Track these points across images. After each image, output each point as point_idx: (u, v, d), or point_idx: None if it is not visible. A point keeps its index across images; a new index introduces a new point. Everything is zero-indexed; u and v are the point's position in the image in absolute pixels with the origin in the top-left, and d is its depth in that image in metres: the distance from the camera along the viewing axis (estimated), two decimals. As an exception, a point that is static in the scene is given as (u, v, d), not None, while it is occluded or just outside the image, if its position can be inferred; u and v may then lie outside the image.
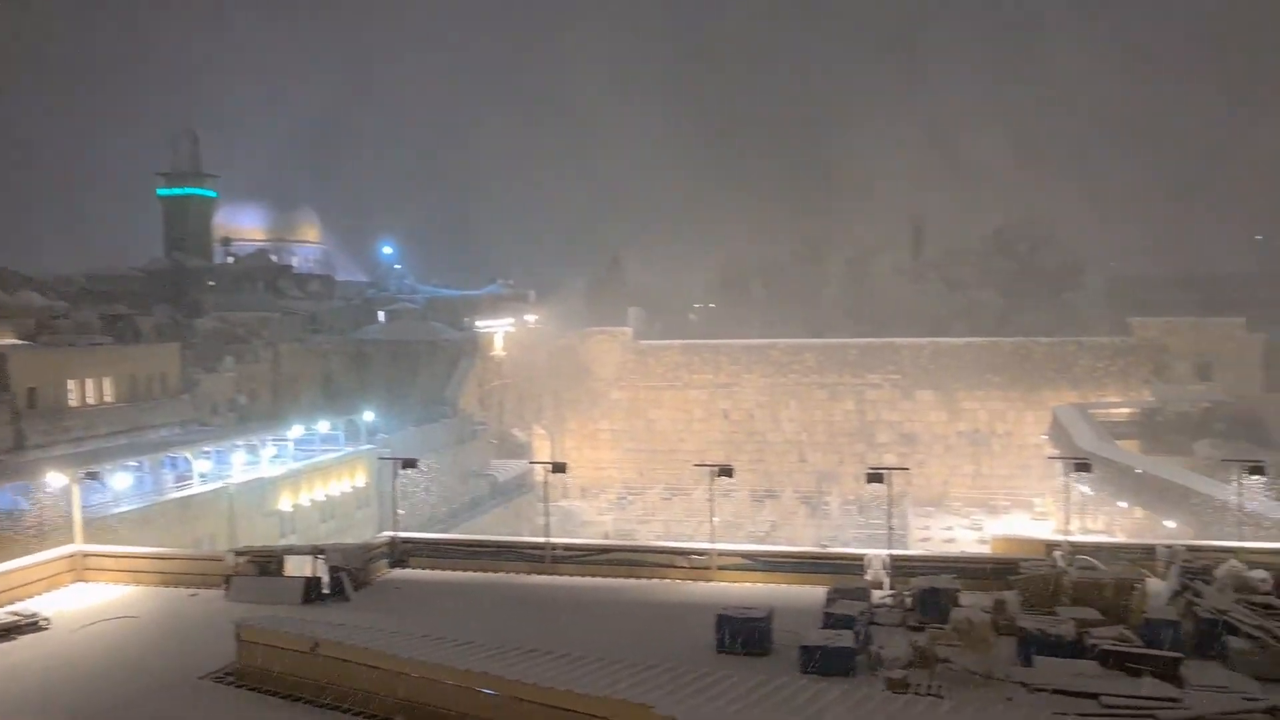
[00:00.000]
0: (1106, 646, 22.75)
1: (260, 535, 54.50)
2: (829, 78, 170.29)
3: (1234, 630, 23.50)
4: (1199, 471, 65.44)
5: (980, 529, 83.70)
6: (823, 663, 22.69)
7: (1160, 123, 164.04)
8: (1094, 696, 20.55)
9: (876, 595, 28.80)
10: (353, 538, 56.95)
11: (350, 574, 31.04)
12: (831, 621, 24.97)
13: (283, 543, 52.33)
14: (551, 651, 20.60)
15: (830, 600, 26.85)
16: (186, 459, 56.87)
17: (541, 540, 34.39)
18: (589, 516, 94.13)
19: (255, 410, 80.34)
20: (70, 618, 28.48)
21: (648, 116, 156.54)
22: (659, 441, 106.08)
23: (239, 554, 32.17)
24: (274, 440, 62.94)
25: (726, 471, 34.30)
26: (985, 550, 39.86)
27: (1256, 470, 35.33)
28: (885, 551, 31.33)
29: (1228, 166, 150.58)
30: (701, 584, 31.76)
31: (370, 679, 20.67)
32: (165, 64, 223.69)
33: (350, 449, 67.14)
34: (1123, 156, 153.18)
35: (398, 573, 33.92)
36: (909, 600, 27.65)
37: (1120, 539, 63.68)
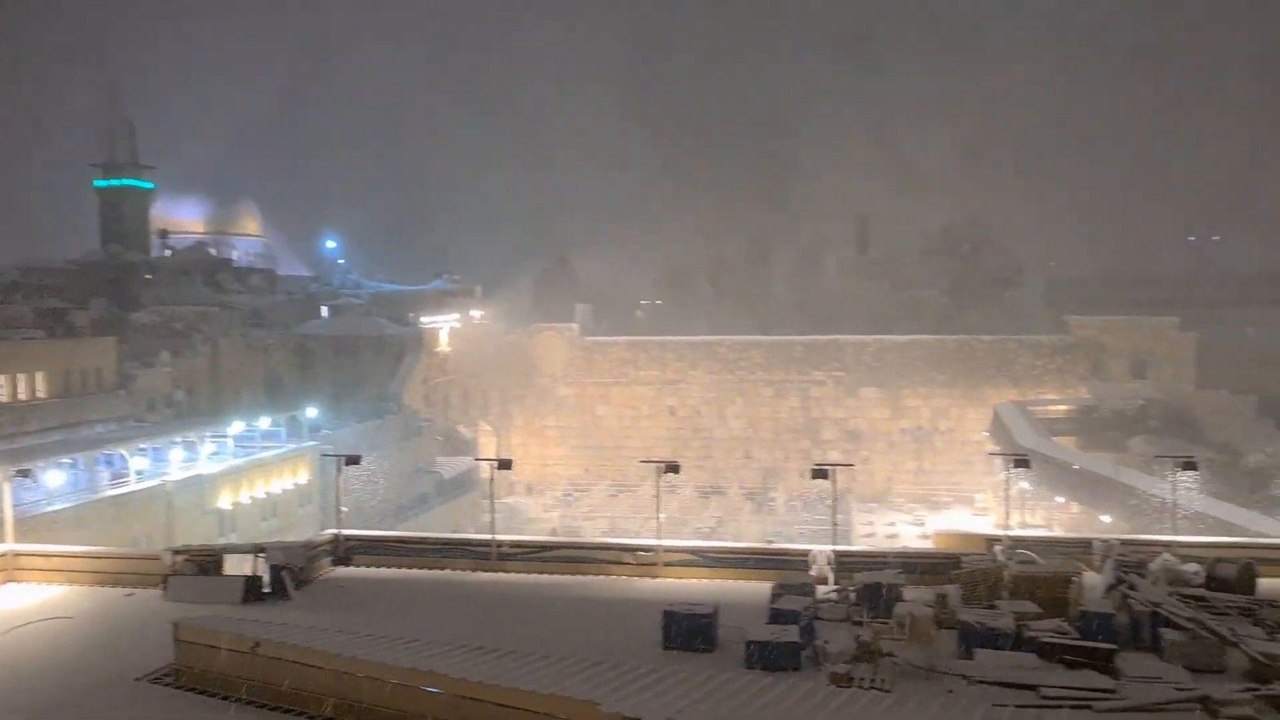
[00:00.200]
0: (1045, 639, 23.19)
1: (199, 534, 53.53)
2: (778, 79, 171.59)
3: (1167, 622, 24.07)
4: (1133, 467, 67.02)
5: (923, 524, 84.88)
6: (768, 658, 22.84)
7: (1098, 128, 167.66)
8: (1033, 688, 20.95)
9: (821, 590, 29.05)
10: (295, 536, 56.10)
11: (292, 572, 30.58)
12: (776, 617, 25.13)
13: (222, 541, 51.44)
14: (497, 649, 20.48)
15: (775, 596, 27.02)
16: (122, 456, 55.64)
17: (487, 537, 34.18)
18: (535, 513, 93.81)
19: (194, 406, 78.89)
20: (0, 619, 27.73)
21: (597, 115, 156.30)
22: (605, 438, 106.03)
23: (177, 553, 31.52)
24: (213, 437, 61.85)
25: (673, 468, 34.35)
26: (928, 545, 40.41)
27: (1189, 466, 36.19)
28: (830, 547, 31.61)
29: (1161, 170, 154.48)
30: (647, 580, 31.78)
31: (312, 679, 20.38)
32: (102, 51, 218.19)
33: (292, 446, 66.18)
34: (1062, 160, 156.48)
35: (341, 571, 33.50)
36: (853, 595, 27.93)
37: (1058, 533, 65.03)
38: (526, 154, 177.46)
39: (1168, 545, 31.46)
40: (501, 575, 32.84)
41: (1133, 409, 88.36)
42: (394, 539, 36.22)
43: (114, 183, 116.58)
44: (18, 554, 32.28)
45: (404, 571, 33.42)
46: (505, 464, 36.79)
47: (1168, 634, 23.59)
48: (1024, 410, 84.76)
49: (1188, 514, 46.05)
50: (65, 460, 52.61)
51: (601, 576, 32.30)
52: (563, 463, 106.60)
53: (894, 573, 28.46)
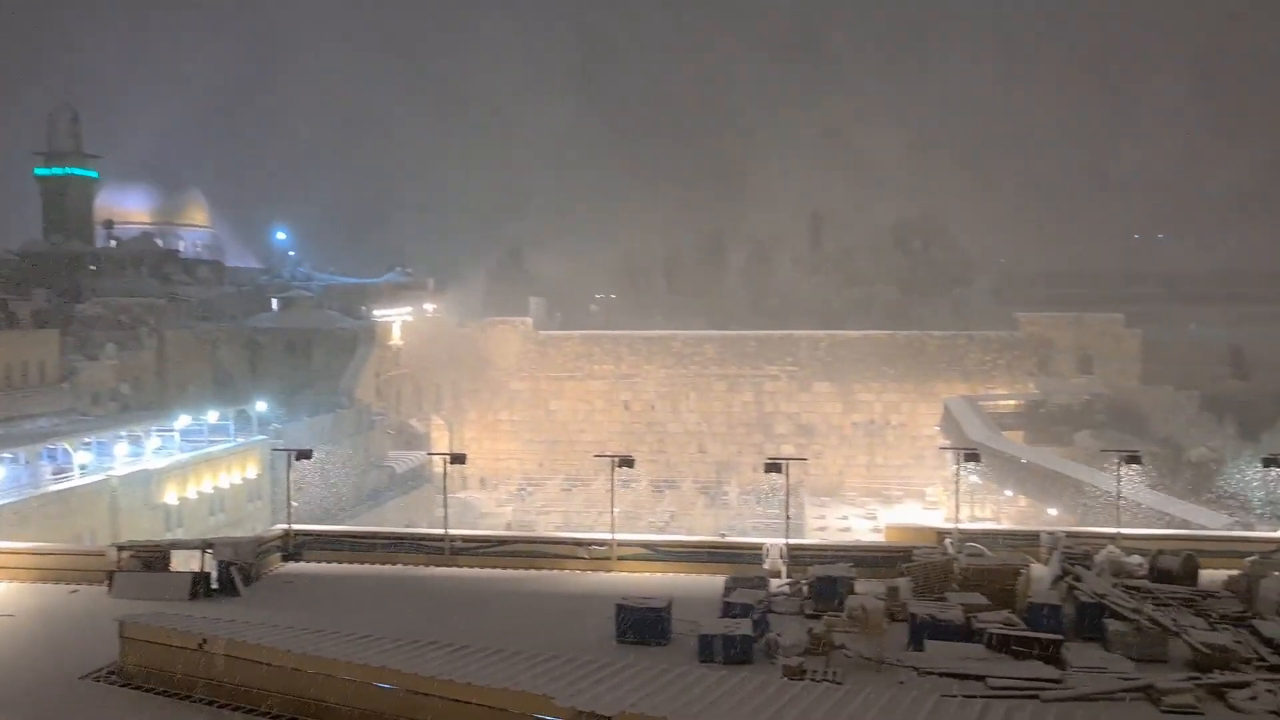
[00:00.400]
0: (993, 630, 23.56)
1: (145, 529, 52.58)
2: (732, 77, 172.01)
3: (1112, 613, 24.55)
4: (1080, 461, 68.26)
5: (875, 518, 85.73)
6: (721, 651, 22.97)
7: (1046, 127, 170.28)
8: (981, 679, 21.27)
9: (774, 584, 29.26)
10: (244, 531, 55.40)
11: (241, 568, 30.20)
12: (730, 610, 25.29)
13: (169, 537, 50.60)
14: (451, 644, 20.36)
15: (728, 589, 27.18)
16: (66, 450, 54.51)
17: (440, 532, 33.99)
18: (488, 508, 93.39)
19: (139, 400, 77.51)
20: (-62, 617, 27.06)
21: (553, 110, 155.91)
22: (559, 432, 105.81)
23: (122, 548, 30.98)
24: (159, 431, 60.79)
25: (627, 462, 34.40)
26: (879, 539, 40.85)
27: (1133, 460, 36.95)
28: (783, 541, 31.84)
29: (1107, 170, 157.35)
30: (601, 574, 31.81)
31: (261, 676, 20.12)
32: (45, 37, 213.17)
33: (241, 440, 65.23)
34: (1012, 159, 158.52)
35: (291, 566, 33.13)
36: (806, 588, 28.17)
37: (1006, 526, 66.06)
38: (481, 149, 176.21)
39: (1112, 538, 32.09)
40: (455, 570, 32.68)
41: (1079, 404, 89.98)
42: (345, 534, 35.93)
43: (57, 171, 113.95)
44: (-44, 551, 31.57)
45: (356, 567, 33.14)
46: (458, 458, 36.61)
47: (1112, 624, 24.07)
48: (974, 405, 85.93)
49: (1132, 507, 46.97)
50: (6, 455, 51.44)
51: (555, 571, 32.28)
52: (516, 457, 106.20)
53: (846, 566, 28.75)
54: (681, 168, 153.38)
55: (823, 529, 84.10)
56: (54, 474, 53.12)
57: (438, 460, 53.77)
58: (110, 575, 29.77)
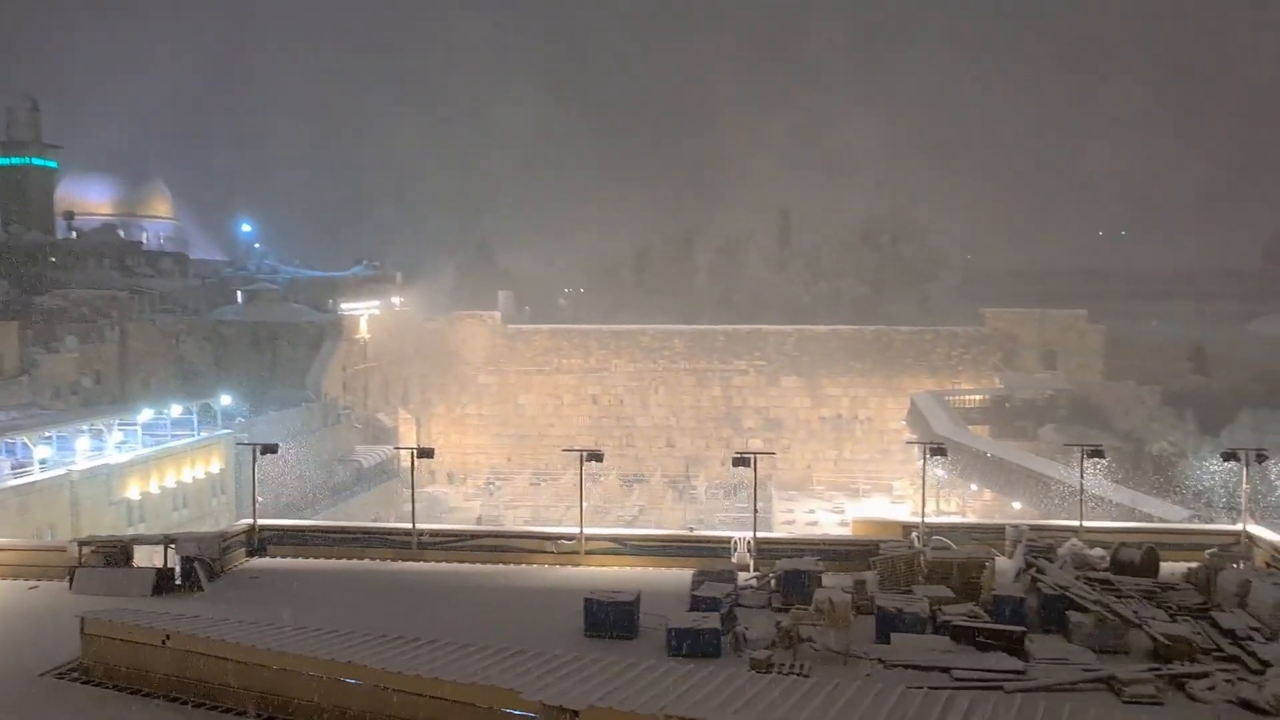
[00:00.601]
0: (957, 623, 23.79)
1: (107, 524, 51.91)
2: (703, 75, 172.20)
3: (1074, 605, 24.85)
4: (1044, 455, 69.01)
5: (842, 512, 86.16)
6: (689, 645, 23.02)
7: (1013, 126, 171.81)
8: (946, 670, 21.48)
9: (742, 578, 29.36)
10: (208, 526, 54.86)
11: (204, 563, 29.90)
12: (698, 604, 25.34)
13: (131, 532, 49.95)
14: (418, 639, 20.26)
15: (696, 583, 27.24)
16: (25, 444, 53.67)
17: (407, 526, 33.83)
18: (456, 502, 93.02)
19: (101, 393, 76.47)
20: (-108, 615, 26.58)
21: (524, 106, 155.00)
22: (528, 426, 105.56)
23: (83, 544, 30.58)
24: (121, 425, 59.98)
25: (595, 456, 34.37)
26: (847, 533, 41.10)
27: (1096, 454, 37.39)
28: (750, 534, 31.95)
29: (1073, 169, 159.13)
30: (570, 568, 31.79)
31: (226, 672, 19.93)
32: (2, 25, 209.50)
33: (205, 434, 64.52)
34: (980, 157, 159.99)
35: (256, 562, 32.86)
36: (773, 582, 28.29)
37: (972, 520, 66.67)
38: (453, 143, 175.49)
39: (1075, 531, 32.50)
40: (422, 565, 32.54)
41: (1043, 399, 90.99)
42: (311, 529, 35.67)
43: (15, 161, 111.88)
44: (-88, 547, 31.01)
45: (322, 562, 32.91)
46: (426, 452, 36.44)
47: (1074, 616, 24.37)
48: (940, 400, 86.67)
49: (1094, 501, 47.57)
50: (-37, 449, 50.55)
51: (523, 565, 32.22)
52: (484, 451, 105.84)
53: (813, 560, 28.90)
54: (651, 164, 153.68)
55: (790, 523, 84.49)
56: (13, 469, 52.29)
57: (405, 455, 53.42)
58: (71, 571, 29.38)
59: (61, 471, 52.99)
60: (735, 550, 31.58)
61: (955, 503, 79.90)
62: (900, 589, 27.03)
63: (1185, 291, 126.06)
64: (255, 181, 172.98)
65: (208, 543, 31.04)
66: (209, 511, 62.01)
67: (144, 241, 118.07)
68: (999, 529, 33.24)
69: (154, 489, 58.49)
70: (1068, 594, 25.32)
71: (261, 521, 34.14)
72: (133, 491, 56.73)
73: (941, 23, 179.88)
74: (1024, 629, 23.73)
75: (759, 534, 32.17)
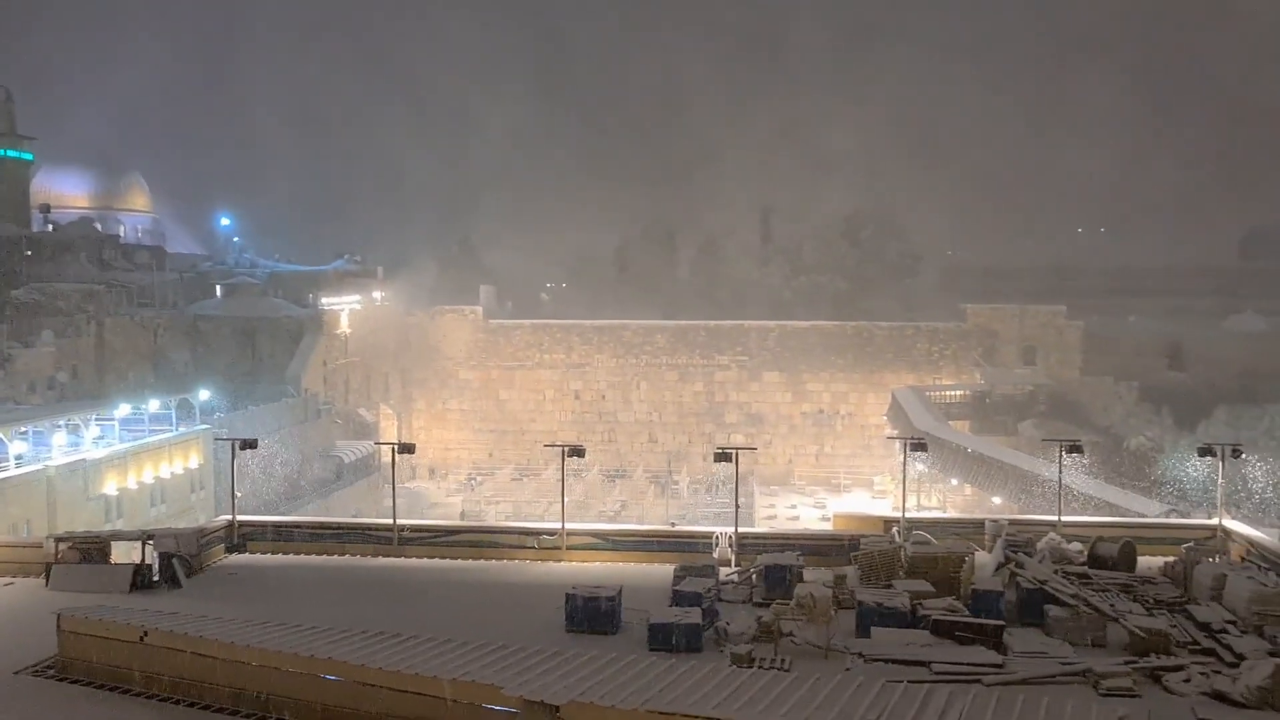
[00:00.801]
0: (937, 617, 23.94)
1: (84, 520, 51.46)
2: (685, 73, 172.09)
3: (1053, 599, 25.04)
4: (1023, 450, 69.45)
5: (824, 507, 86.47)
6: (670, 639, 23.07)
7: (994, 125, 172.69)
8: (925, 664, 21.61)
9: (723, 572, 29.43)
10: (187, 522, 54.51)
11: (183, 560, 29.73)
12: (679, 599, 25.39)
13: (108, 528, 49.55)
14: (398, 635, 20.21)
15: (678, 578, 27.29)
16: (1, 440, 53.13)
17: (388, 522, 33.74)
18: (438, 498, 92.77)
19: (78, 388, 75.84)
20: None
21: (508, 101, 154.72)
22: (510, 422, 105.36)
23: (60, 540, 30.35)
24: (98, 420, 59.42)
25: (577, 451, 34.37)
26: (828, 528, 41.24)
27: (1074, 449, 37.67)
28: (732, 529, 32.02)
29: (1052, 166, 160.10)
30: (551, 564, 31.79)
31: (204, 669, 19.83)
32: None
33: (183, 429, 64.07)
34: (961, 155, 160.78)
35: (236, 558, 32.70)
36: (755, 577, 28.37)
37: (952, 515, 67.04)
38: (435, 138, 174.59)
39: (1053, 525, 32.73)
40: (403, 561, 32.47)
41: (1023, 394, 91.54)
42: (291, 524, 35.51)
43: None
44: (-115, 543, 30.67)
45: (302, 558, 32.79)
46: (408, 448, 36.34)
47: (1053, 610, 24.57)
48: (921, 395, 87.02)
49: (1073, 495, 47.89)
50: (-62, 444, 49.99)
51: (505, 561, 32.19)
52: (466, 447, 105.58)
53: (794, 555, 29.00)
54: (634, 160, 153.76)
55: (772, 518, 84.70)
56: (-12, 464, 51.77)
57: (386, 450, 53.19)
58: (47, 568, 29.17)
59: (38, 467, 52.48)
60: (717, 545, 31.66)
61: (936, 498, 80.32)
62: (880, 584, 27.18)
63: (1162, 288, 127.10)
64: (235, 175, 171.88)
65: (186, 539, 30.88)
66: (188, 507, 61.59)
67: (121, 235, 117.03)
68: (979, 524, 33.44)
69: (132, 485, 58.03)
70: (1046, 588, 25.52)
71: (241, 517, 33.98)
72: (110, 487, 56.27)
73: (922, 21, 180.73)
74: (1003, 623, 23.92)
75: (740, 529, 32.26)
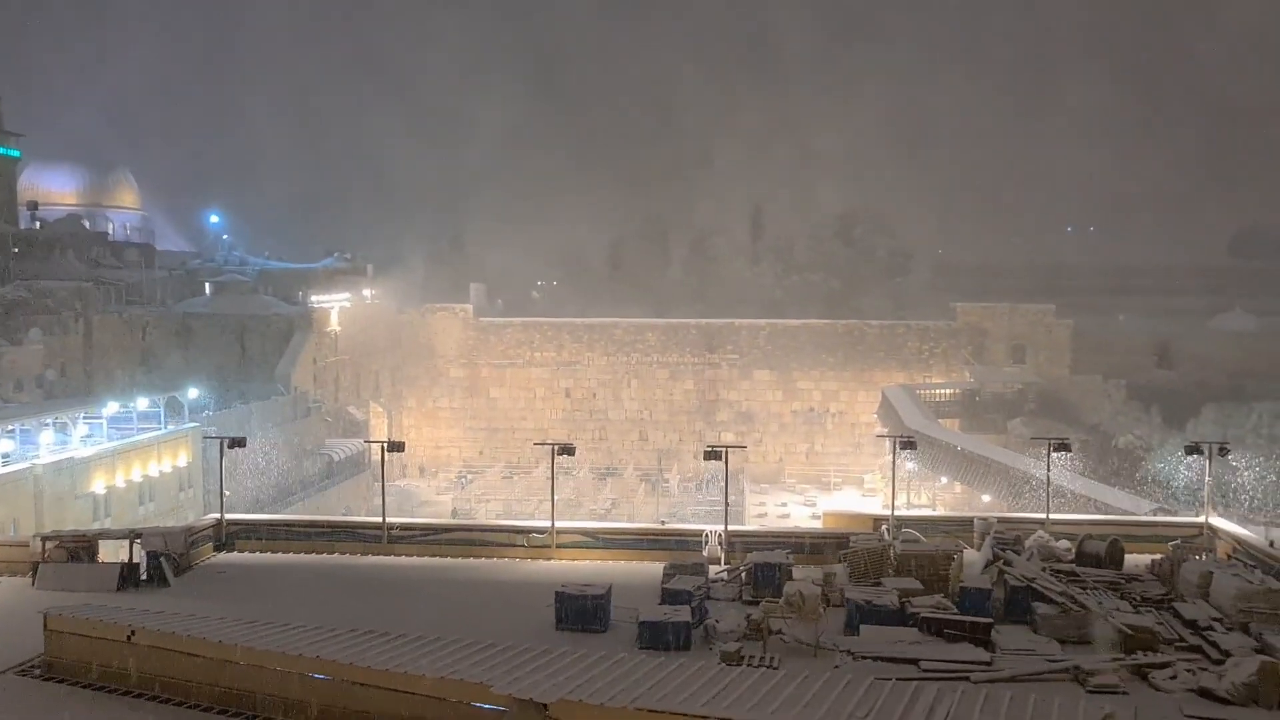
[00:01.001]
0: (926, 614, 24.00)
1: (71, 519, 51.23)
2: (677, 72, 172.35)
3: (1040, 596, 25.12)
4: (1012, 448, 69.59)
5: (814, 505, 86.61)
6: (660, 637, 23.09)
7: (984, 125, 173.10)
8: (914, 662, 21.66)
9: (713, 570, 29.46)
10: (175, 520, 54.32)
11: (171, 558, 29.63)
12: (669, 597, 25.41)
13: (96, 527, 49.35)
14: (387, 633, 20.18)
15: (668, 576, 27.31)
16: (-12, 438, 52.89)
17: (377, 520, 33.68)
18: (428, 496, 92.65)
19: (66, 386, 75.46)
20: None
21: (500, 99, 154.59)
22: (500, 420, 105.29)
23: (46, 539, 30.22)
24: (86, 418, 59.15)
25: (567, 450, 34.34)
26: (818, 526, 41.35)
27: (1062, 447, 37.76)
28: (722, 527, 32.05)
29: (1042, 166, 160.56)
30: (541, 562, 31.78)
31: (192, 668, 19.77)
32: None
33: (172, 427, 63.83)
34: (951, 155, 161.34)
35: (224, 556, 32.60)
36: (744, 575, 28.40)
37: (942, 513, 67.26)
38: (425, 137, 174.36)
39: (1042, 523, 32.84)
40: (392, 559, 32.42)
41: (1012, 392, 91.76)
42: (280, 523, 35.43)
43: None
44: None
45: (290, 556, 32.70)
46: (397, 446, 36.28)
47: (1040, 608, 24.65)
48: (911, 393, 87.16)
49: (1061, 493, 48.03)
50: (-76, 443, 49.73)
51: (495, 559, 32.16)
52: (456, 445, 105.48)
53: (784, 553, 29.04)
54: (626, 158, 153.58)
55: (762, 516, 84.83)
56: (-25, 463, 51.51)
57: (376, 448, 53.19)
58: (34, 567, 29.04)
59: (25, 465, 52.23)
60: (706, 543, 31.68)
61: (926, 496, 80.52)
62: (869, 581, 27.23)
63: (1151, 287, 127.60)
64: (225, 172, 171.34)
65: (174, 537, 30.78)
66: (176, 506, 61.37)
67: (110, 232, 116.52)
68: (967, 521, 33.54)
69: (120, 483, 57.79)
70: (1034, 585, 25.60)
71: (229, 516, 33.89)
72: (98, 485, 56.04)
73: (913, 21, 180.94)
74: (991, 620, 23.99)
75: (730, 527, 32.28)
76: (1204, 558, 30.03)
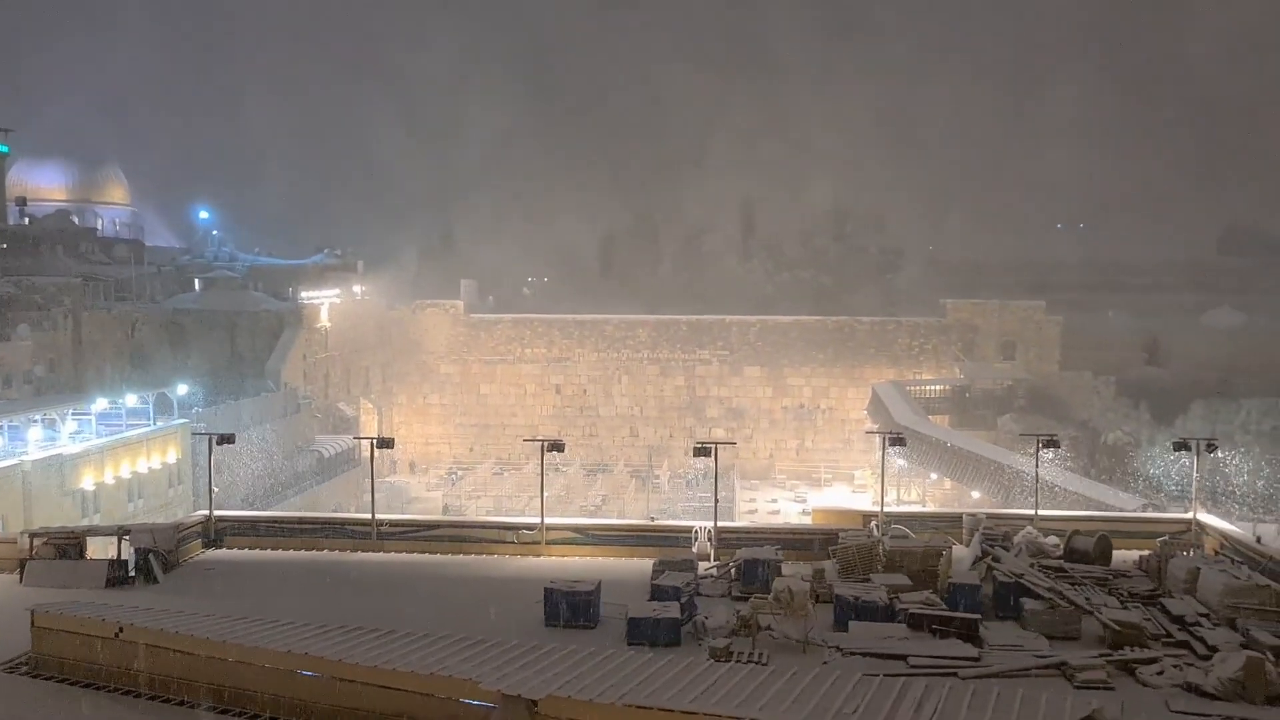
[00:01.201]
0: (914, 610, 24.07)
1: (60, 516, 51.01)
2: (667, 68, 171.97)
3: (1029, 592, 25.22)
4: (1002, 445, 69.83)
5: (804, 501, 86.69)
6: (649, 634, 23.11)
7: (974, 121, 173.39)
8: (902, 658, 21.73)
9: (702, 567, 29.51)
10: (164, 517, 54.10)
11: (159, 555, 29.55)
12: (658, 593, 25.44)
13: (84, 523, 49.20)
14: (376, 630, 20.16)
15: (657, 572, 27.34)
16: (-25, 434, 52.69)
17: (366, 517, 33.64)
18: (418, 492, 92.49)
19: (55, 382, 75.20)
20: None
21: (490, 94, 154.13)
22: (490, 416, 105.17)
23: (34, 536, 30.12)
24: (75, 414, 58.93)
25: (557, 446, 34.34)
26: (807, 522, 41.42)
27: (1051, 444, 37.94)
28: (711, 524, 32.09)
29: (1034, 163, 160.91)
30: (531, 558, 31.79)
31: (180, 665, 19.72)
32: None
33: (161, 424, 63.63)
34: (941, 151, 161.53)
35: (213, 553, 32.54)
36: (733, 571, 28.45)
37: (931, 509, 67.41)
38: (416, 133, 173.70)
39: (1030, 519, 32.96)
40: (382, 555, 32.39)
41: (1002, 389, 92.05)
42: (269, 519, 35.39)
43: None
44: None
45: (280, 553, 32.66)
46: (386, 442, 36.25)
47: (1028, 603, 24.74)
48: (901, 389, 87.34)
49: (1050, 489, 48.19)
50: (-89, 439, 49.49)
51: (484, 555, 32.16)
52: (447, 441, 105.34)
53: (773, 549, 29.09)
54: (617, 155, 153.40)
55: (753, 512, 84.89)
56: (-37, 459, 51.28)
57: (367, 444, 53.07)
58: (22, 564, 28.94)
59: (13, 462, 52.01)
60: (696, 540, 31.72)
61: (916, 492, 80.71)
62: (859, 577, 27.30)
63: (1141, 284, 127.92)
64: (215, 169, 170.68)
65: (163, 534, 30.70)
66: (166, 502, 61.16)
67: (99, 228, 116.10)
68: (957, 518, 33.67)
69: (109, 479, 57.58)
70: (1022, 581, 25.69)
71: (218, 512, 33.83)
72: (87, 482, 55.83)
73: (903, 19, 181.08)
74: (979, 616, 24.07)
75: (720, 523, 32.32)
76: (1191, 554, 30.18)
